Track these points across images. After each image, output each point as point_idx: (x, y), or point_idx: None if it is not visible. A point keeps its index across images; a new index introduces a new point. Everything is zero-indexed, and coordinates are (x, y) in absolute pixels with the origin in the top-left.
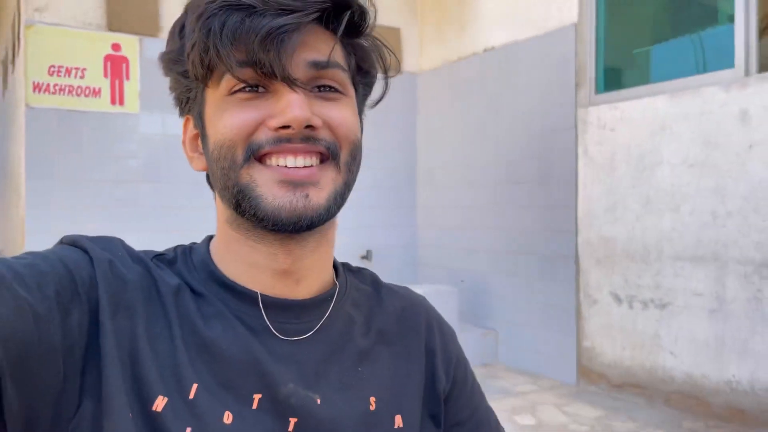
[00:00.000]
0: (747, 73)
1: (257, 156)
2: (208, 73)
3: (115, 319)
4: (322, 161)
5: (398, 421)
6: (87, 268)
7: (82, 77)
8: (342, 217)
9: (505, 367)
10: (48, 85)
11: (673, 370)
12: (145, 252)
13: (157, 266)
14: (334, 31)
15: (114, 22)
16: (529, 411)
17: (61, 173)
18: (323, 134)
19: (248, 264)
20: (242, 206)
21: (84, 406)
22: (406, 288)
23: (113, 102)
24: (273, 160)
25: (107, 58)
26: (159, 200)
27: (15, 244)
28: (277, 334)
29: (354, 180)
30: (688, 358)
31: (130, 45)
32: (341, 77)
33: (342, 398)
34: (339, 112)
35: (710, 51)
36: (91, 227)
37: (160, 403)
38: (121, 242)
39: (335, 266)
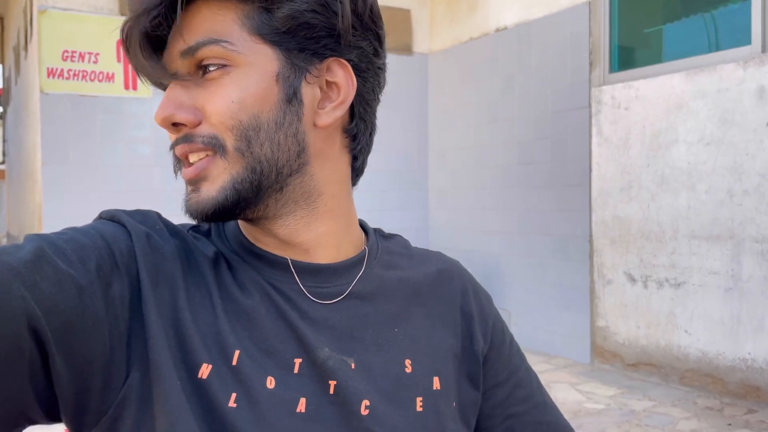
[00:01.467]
0: (764, 49)
1: (180, 157)
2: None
3: (156, 290)
4: (213, 154)
5: (436, 382)
6: (126, 242)
7: (95, 62)
8: (357, 200)
9: (519, 346)
10: (62, 70)
11: (688, 348)
12: (182, 225)
13: (194, 237)
14: None
15: (126, 7)
16: None
17: (76, 159)
18: (202, 129)
19: (259, 239)
20: None
21: (132, 376)
22: (439, 252)
23: (126, 87)
24: (190, 158)
25: (120, 42)
26: (172, 184)
27: (32, 229)
28: (311, 298)
29: (271, 157)
30: (704, 336)
31: None
32: (217, 51)
33: (377, 359)
34: (212, 99)
35: (725, 28)
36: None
37: (205, 371)
38: (158, 215)
39: (366, 231)
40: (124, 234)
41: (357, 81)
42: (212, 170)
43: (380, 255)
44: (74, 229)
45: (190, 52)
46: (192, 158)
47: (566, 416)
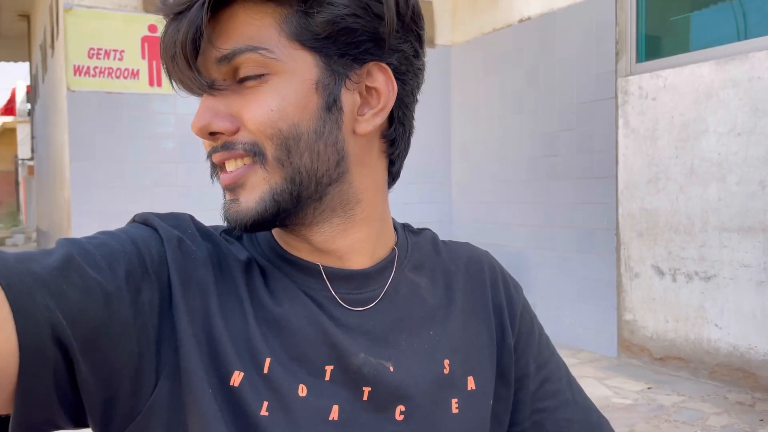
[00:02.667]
0: None
1: (218, 164)
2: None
3: (188, 296)
4: (254, 161)
5: (470, 382)
6: (157, 247)
7: (120, 59)
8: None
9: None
10: (88, 68)
11: (718, 342)
12: (214, 227)
13: (227, 241)
14: None
15: (150, 3)
16: None
17: (103, 155)
18: (242, 136)
19: (292, 245)
20: None
21: (161, 384)
22: (467, 244)
23: (151, 83)
24: (225, 165)
25: (144, 39)
26: (195, 180)
27: (61, 225)
28: (344, 305)
29: (310, 167)
30: (735, 330)
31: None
32: (255, 59)
33: (415, 362)
34: (250, 107)
35: (756, 15)
36: (132, 207)
37: (237, 378)
38: (191, 218)
39: (396, 228)
40: (156, 239)
41: (397, 85)
42: (251, 178)
43: (410, 254)
44: (106, 234)
45: (227, 59)
46: (230, 166)
47: None
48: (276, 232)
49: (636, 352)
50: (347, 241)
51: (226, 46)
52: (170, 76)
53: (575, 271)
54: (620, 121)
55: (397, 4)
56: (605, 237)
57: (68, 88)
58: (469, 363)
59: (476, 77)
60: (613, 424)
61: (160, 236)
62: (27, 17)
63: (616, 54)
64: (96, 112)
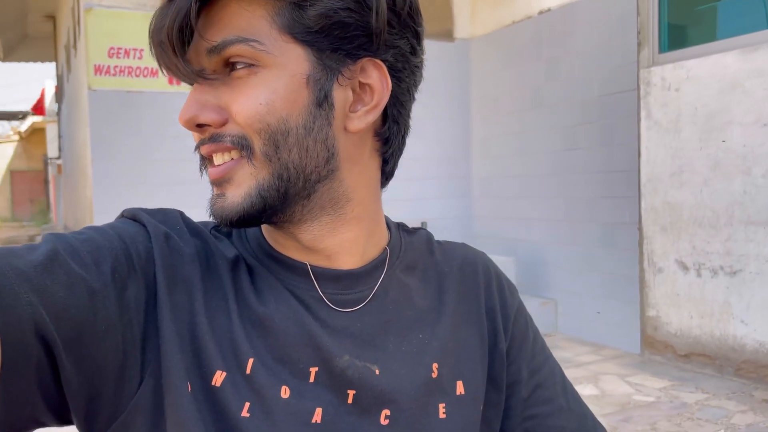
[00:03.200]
0: None
1: (206, 156)
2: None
3: (173, 293)
4: (241, 155)
5: (459, 387)
6: (144, 243)
7: (140, 58)
8: (395, 188)
9: (565, 336)
10: (108, 67)
11: (744, 338)
12: (204, 224)
13: (216, 238)
14: None
15: None
16: (591, 381)
17: (124, 153)
18: (230, 128)
19: (279, 242)
20: None
21: (146, 382)
22: (463, 244)
23: (170, 82)
24: (214, 159)
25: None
26: None
27: (85, 223)
28: (331, 305)
29: (298, 163)
30: (762, 326)
31: None
32: (245, 50)
33: (403, 366)
34: (238, 100)
35: None
36: (153, 204)
37: (219, 378)
38: (180, 214)
39: (389, 227)
40: (144, 234)
41: (392, 82)
42: (238, 172)
43: (403, 254)
44: (93, 229)
45: (217, 50)
46: (218, 159)
47: (614, 409)
48: (265, 229)
49: (659, 348)
50: (336, 240)
51: (216, 36)
52: (158, 62)
53: (597, 266)
54: (642, 113)
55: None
56: (628, 231)
57: (89, 88)
58: (459, 367)
59: (496, 70)
60: (635, 422)
61: (148, 232)
62: (53, 18)
63: (638, 44)
64: (117, 111)
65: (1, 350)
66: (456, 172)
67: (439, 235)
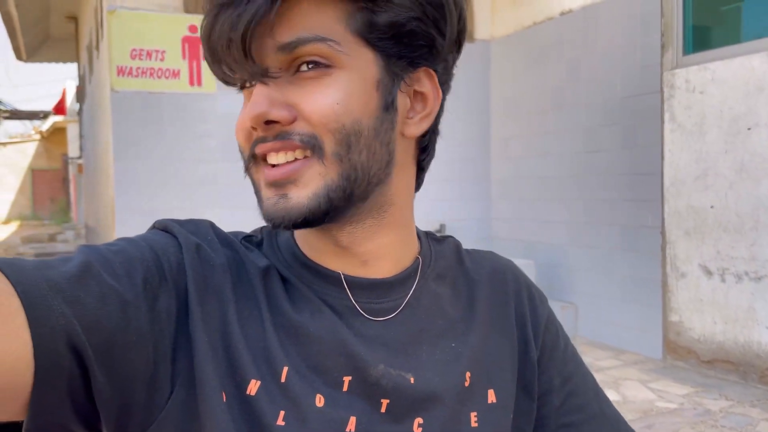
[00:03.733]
0: None
1: (259, 156)
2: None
3: (204, 303)
4: (307, 155)
5: (491, 395)
6: (175, 254)
7: (162, 59)
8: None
9: (586, 340)
10: (131, 68)
11: None
12: (234, 233)
13: (246, 248)
14: None
15: (190, 4)
16: (612, 387)
17: (146, 154)
18: (299, 126)
19: (316, 247)
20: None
21: (176, 393)
22: (491, 253)
23: (191, 83)
24: (269, 158)
25: (185, 39)
26: (237, 178)
27: (106, 222)
28: (364, 314)
29: (366, 165)
30: None
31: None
32: (322, 50)
33: (436, 374)
34: (312, 98)
35: None
36: (174, 205)
37: (253, 387)
38: (211, 225)
39: (419, 236)
40: (175, 245)
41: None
42: (305, 173)
43: (433, 263)
44: (125, 240)
45: (290, 47)
46: (278, 158)
47: (636, 416)
48: (299, 235)
49: (682, 354)
50: (374, 244)
51: (287, 35)
52: (219, 64)
53: (619, 270)
54: (666, 116)
55: (459, 16)
56: (650, 235)
57: (112, 89)
58: (490, 376)
59: (516, 72)
60: (657, 429)
61: (179, 243)
62: (75, 19)
63: (662, 46)
64: (138, 112)
65: (35, 361)
66: (475, 173)
67: (458, 238)
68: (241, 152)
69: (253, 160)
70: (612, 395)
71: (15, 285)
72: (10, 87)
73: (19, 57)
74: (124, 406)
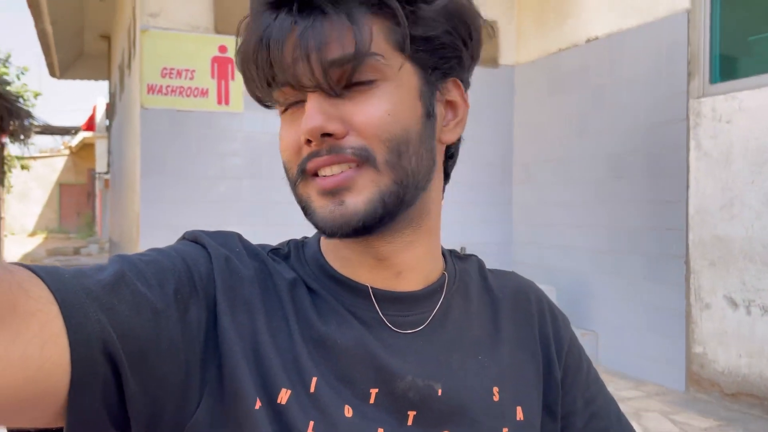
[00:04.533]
0: None
1: (310, 171)
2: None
3: (234, 314)
4: (359, 165)
5: (519, 413)
6: (205, 265)
7: (191, 78)
8: None
9: (607, 370)
10: (161, 86)
11: None
12: (262, 246)
13: (273, 260)
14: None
15: (221, 25)
16: (633, 418)
17: (172, 170)
18: (350, 140)
19: (347, 259)
20: (308, 218)
21: (204, 401)
22: (513, 273)
23: (219, 102)
24: (320, 172)
25: (214, 59)
26: (260, 196)
27: (131, 237)
28: (392, 327)
29: (415, 170)
30: None
31: (235, 46)
32: (372, 64)
33: (464, 387)
34: (364, 110)
35: None
36: (199, 221)
37: (284, 396)
38: (239, 237)
39: (443, 254)
40: (205, 256)
41: None
42: (358, 180)
43: (458, 280)
44: (157, 251)
45: (339, 63)
46: (331, 170)
47: None
48: (326, 248)
49: (706, 386)
50: (409, 255)
51: (338, 51)
52: (262, 77)
53: (642, 299)
54: (692, 144)
55: (480, 28)
56: (674, 264)
57: (142, 106)
58: (518, 393)
59: (540, 97)
60: None
61: (209, 254)
62: (108, 38)
63: (688, 75)
64: (167, 129)
65: (71, 367)
66: (497, 197)
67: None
68: (287, 170)
69: (302, 176)
70: (633, 426)
71: (54, 292)
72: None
73: (52, 74)
74: (155, 413)
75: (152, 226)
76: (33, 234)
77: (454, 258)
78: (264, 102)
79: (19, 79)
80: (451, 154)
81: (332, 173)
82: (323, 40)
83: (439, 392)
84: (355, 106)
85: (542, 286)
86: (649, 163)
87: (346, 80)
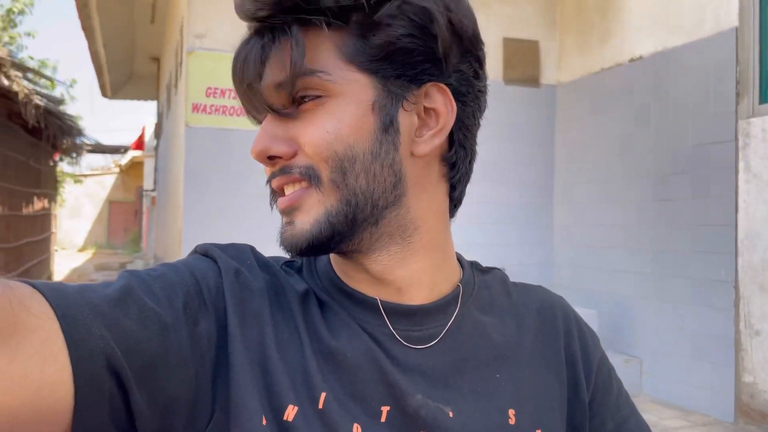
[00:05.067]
0: None
1: (276, 190)
2: None
3: (243, 327)
4: (309, 185)
5: None
6: (215, 278)
7: (234, 98)
8: (473, 232)
9: (651, 398)
10: (205, 105)
11: None
12: (275, 258)
13: (286, 272)
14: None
15: None
16: None
17: (215, 187)
18: (299, 160)
19: (350, 275)
20: None
21: (216, 417)
22: (540, 287)
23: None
24: (285, 190)
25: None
26: None
27: (174, 252)
28: (403, 342)
29: (366, 188)
30: None
31: None
32: (312, 82)
33: (477, 409)
34: (307, 130)
35: None
36: (240, 239)
37: (290, 412)
38: (251, 249)
39: (462, 265)
40: (215, 270)
41: (457, 106)
42: (306, 200)
43: (477, 291)
44: (166, 266)
45: (283, 85)
46: (287, 190)
47: None
48: (335, 262)
49: (756, 418)
50: (406, 271)
51: (282, 73)
52: (240, 99)
53: (688, 325)
54: (740, 165)
55: (451, 24)
56: (723, 289)
57: (187, 124)
58: (538, 415)
59: (582, 117)
60: None
61: (219, 267)
62: (157, 60)
63: (737, 95)
64: (210, 147)
65: (74, 383)
66: (537, 218)
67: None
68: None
69: (272, 195)
70: None
71: (55, 308)
72: (91, 120)
73: (104, 94)
74: (165, 428)
75: (194, 242)
76: (82, 249)
77: (474, 270)
78: (256, 119)
79: (72, 97)
80: (453, 164)
81: (288, 192)
82: (265, 64)
83: (450, 414)
84: (302, 126)
85: (583, 310)
86: (696, 185)
87: (289, 102)
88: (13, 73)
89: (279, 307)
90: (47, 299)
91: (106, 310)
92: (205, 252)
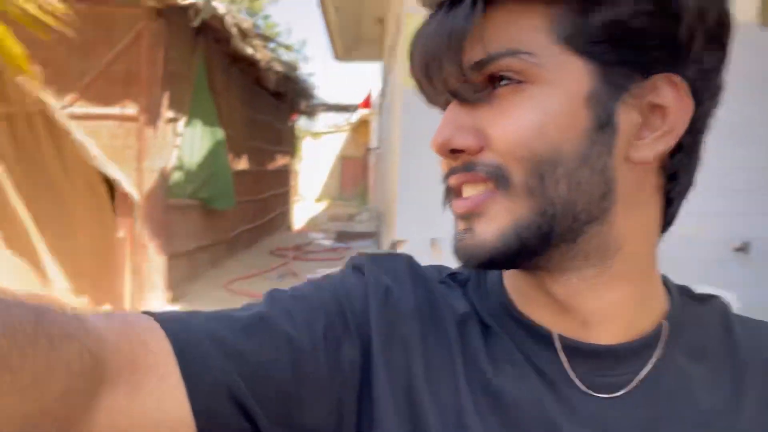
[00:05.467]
0: None
1: (453, 189)
2: None
3: (389, 353)
4: (496, 187)
5: None
6: (361, 300)
7: None
8: (706, 201)
9: None
10: None
11: None
12: (438, 269)
13: (448, 286)
14: None
15: None
16: None
17: (428, 151)
18: (485, 156)
19: (527, 295)
20: None
21: None
22: None
23: None
24: (463, 191)
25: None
26: None
27: (391, 211)
28: (581, 387)
29: (567, 198)
30: None
31: None
32: (512, 64)
33: None
34: (501, 122)
35: None
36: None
37: None
38: (408, 260)
39: (669, 291)
40: (362, 289)
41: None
42: (491, 206)
43: (687, 331)
44: (311, 285)
45: (479, 66)
46: (467, 191)
47: None
48: (510, 278)
49: None
50: (598, 302)
51: (480, 52)
52: (422, 80)
53: None
54: None
55: (701, 3)
56: None
57: (403, 86)
58: None
59: None
60: None
61: (367, 286)
62: (382, 22)
63: None
64: (425, 110)
65: (194, 417)
66: None
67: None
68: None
69: (448, 194)
70: None
71: (173, 342)
72: (323, 79)
73: (336, 57)
74: None
75: (406, 202)
76: (319, 200)
77: (685, 300)
78: (432, 103)
79: (306, 59)
80: (673, 174)
81: (468, 195)
82: (461, 41)
83: None
84: (494, 116)
85: None
86: None
87: (482, 86)
88: (256, 42)
89: (432, 330)
90: (167, 333)
91: (230, 339)
92: (357, 266)
